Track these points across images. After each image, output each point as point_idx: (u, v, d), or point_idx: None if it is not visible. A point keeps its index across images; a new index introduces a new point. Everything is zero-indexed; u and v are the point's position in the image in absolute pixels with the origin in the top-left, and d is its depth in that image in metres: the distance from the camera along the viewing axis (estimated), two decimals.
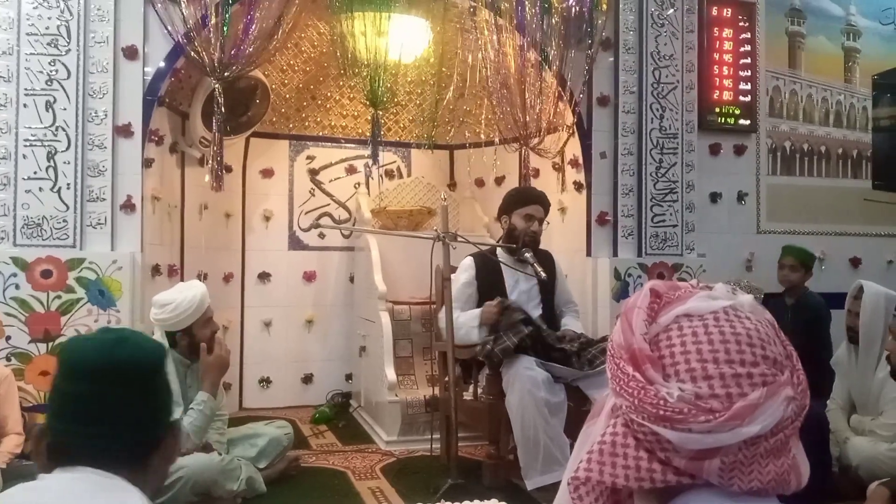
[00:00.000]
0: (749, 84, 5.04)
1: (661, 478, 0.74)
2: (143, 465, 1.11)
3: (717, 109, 4.96)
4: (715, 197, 4.99)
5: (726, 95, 4.99)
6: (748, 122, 5.06)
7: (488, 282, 3.76)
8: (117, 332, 1.17)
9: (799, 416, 0.75)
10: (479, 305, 3.72)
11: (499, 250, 3.85)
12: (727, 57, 4.99)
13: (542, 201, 3.92)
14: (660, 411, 0.73)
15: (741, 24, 5.04)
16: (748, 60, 5.05)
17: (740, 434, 0.71)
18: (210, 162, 4.20)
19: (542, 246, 4.01)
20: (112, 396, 1.09)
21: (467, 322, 3.59)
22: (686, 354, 0.75)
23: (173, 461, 1.18)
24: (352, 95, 5.45)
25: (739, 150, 5.09)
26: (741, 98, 5.03)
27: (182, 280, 4.33)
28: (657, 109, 4.59)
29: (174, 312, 3.15)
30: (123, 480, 1.06)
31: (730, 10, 5.02)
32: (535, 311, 3.78)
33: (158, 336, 3.14)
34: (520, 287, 3.80)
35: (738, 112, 5.02)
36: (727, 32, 5.00)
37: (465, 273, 3.79)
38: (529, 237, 3.77)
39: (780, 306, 4.49)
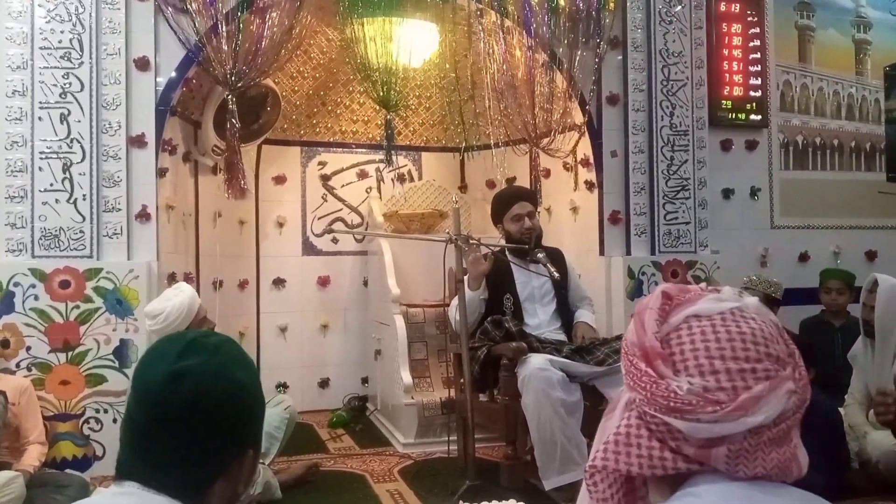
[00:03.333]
0: (759, 79, 5.02)
1: (672, 465, 0.81)
2: (202, 492, 1.05)
3: (728, 105, 4.94)
4: (727, 193, 4.98)
5: (736, 91, 4.97)
6: (759, 117, 5.04)
7: (498, 279, 3.75)
8: (189, 358, 1.05)
9: (800, 409, 0.82)
10: (488, 302, 3.70)
11: (508, 251, 3.84)
12: (736, 52, 4.97)
13: (522, 196, 3.91)
14: (671, 403, 0.79)
15: (749, 19, 5.02)
16: (758, 55, 5.02)
17: (745, 423, 0.77)
18: (230, 171, 4.25)
19: (554, 245, 4.00)
20: (164, 434, 1.03)
21: (466, 298, 3.43)
22: (695, 351, 0.81)
23: (242, 487, 1.09)
24: (362, 101, 5.47)
25: (751, 146, 5.07)
26: (751, 93, 5.01)
27: (198, 288, 4.37)
28: (667, 107, 4.58)
29: (166, 321, 3.14)
30: (170, 501, 1.01)
31: (738, 5, 5.00)
32: (549, 308, 3.78)
33: None
34: (532, 284, 3.79)
35: (748, 107, 4.99)
36: (736, 28, 4.98)
37: None
38: (528, 235, 3.74)
39: (828, 330, 4.29)
